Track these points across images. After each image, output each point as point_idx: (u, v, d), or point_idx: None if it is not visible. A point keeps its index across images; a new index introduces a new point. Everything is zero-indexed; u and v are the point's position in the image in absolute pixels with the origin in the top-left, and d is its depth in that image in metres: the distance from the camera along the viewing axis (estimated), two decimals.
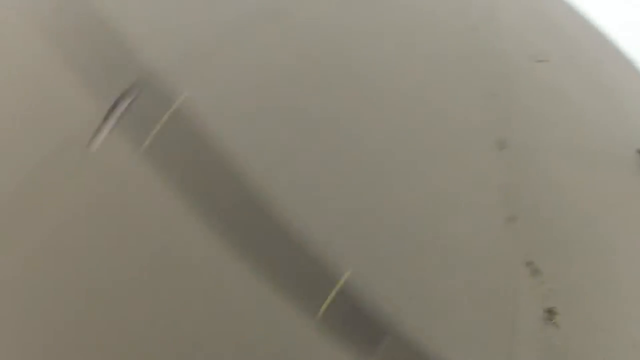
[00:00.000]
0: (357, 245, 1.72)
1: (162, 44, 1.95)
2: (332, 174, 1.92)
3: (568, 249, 2.09)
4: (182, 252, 1.32)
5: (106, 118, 1.28)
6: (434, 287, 1.66)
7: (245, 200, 1.50)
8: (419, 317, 1.53)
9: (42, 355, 1.26)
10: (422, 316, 1.54)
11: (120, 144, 1.38)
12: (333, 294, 1.38)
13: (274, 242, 1.55)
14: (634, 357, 1.84)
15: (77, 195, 1.37)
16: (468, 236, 1.89)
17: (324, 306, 1.34)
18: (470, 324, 1.58)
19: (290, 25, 3.55)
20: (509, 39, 5.16)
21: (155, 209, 1.33)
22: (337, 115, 2.37)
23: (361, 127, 2.31)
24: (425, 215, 1.85)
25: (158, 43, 1.98)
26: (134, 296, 1.27)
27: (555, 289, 1.85)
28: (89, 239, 1.33)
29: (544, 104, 3.97)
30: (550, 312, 1.79)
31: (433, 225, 1.83)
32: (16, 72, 1.62)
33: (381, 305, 1.49)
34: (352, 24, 4.01)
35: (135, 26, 1.88)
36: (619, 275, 2.24)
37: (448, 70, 3.84)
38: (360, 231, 1.73)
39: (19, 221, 1.46)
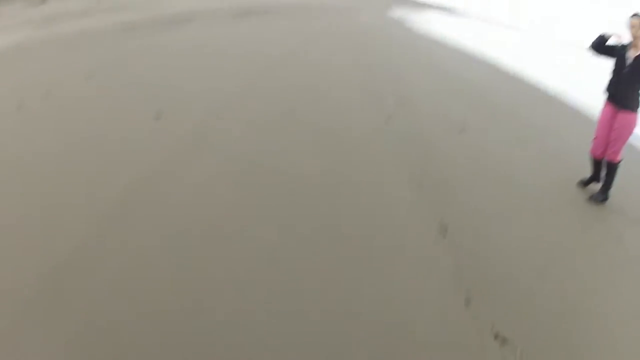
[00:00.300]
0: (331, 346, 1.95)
1: None
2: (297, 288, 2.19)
3: (529, 309, 2.39)
4: None
5: None
6: None
7: None
8: None
9: None
10: None
11: None
12: None
13: None
14: None
15: None
16: (434, 326, 2.20)
17: None
18: None
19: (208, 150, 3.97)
20: (425, 119, 5.92)
21: None
22: (281, 236, 2.67)
23: (310, 240, 2.63)
24: (392, 315, 2.14)
25: None
26: None
27: (527, 351, 2.11)
28: None
29: (474, 174, 4.50)
30: None
31: (401, 325, 2.12)
32: None
33: None
34: (271, 142, 4.45)
35: None
36: (592, 314, 2.50)
37: (375, 164, 4.41)
38: (331, 338, 1.97)
39: None
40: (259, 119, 4.68)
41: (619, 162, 4.12)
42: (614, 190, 4.16)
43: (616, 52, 4.08)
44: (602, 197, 4.09)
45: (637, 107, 4.01)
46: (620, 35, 4.09)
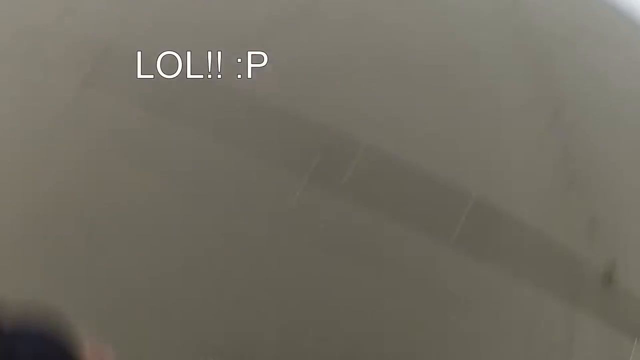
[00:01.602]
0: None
1: None
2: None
3: (627, 207, 2.23)
4: None
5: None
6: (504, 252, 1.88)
7: None
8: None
9: None
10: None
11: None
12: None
13: None
14: None
15: None
16: (532, 198, 2.08)
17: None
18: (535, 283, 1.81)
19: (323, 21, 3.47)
20: (546, 18, 4.90)
21: None
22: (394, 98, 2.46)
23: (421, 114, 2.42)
24: (495, 187, 2.05)
25: None
26: None
27: (615, 245, 2.03)
28: None
29: (587, 80, 3.81)
30: (609, 275, 1.95)
31: (504, 197, 2.03)
32: None
33: None
34: (384, 19, 3.86)
35: None
36: None
37: (492, 52, 3.76)
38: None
39: None
40: None
41: None
42: None
43: None
44: None
45: None
46: None
